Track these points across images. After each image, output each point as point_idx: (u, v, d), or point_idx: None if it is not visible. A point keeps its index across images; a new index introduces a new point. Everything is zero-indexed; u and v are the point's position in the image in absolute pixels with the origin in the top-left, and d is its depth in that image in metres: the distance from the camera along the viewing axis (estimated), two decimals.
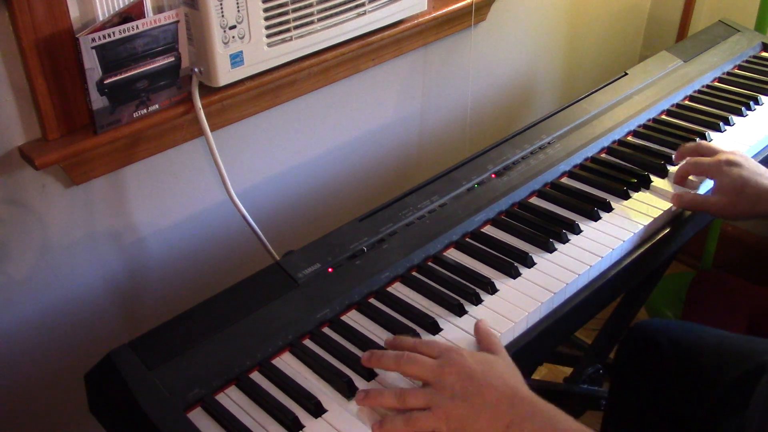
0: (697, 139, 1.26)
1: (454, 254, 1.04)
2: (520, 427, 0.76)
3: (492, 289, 0.96)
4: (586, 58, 2.04)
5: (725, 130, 1.31)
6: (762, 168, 1.09)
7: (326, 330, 0.91)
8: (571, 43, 1.95)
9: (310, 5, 1.17)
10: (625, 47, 2.16)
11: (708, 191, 1.14)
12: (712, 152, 1.13)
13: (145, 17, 1.02)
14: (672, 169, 1.18)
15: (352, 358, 0.86)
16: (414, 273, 1.00)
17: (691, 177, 1.15)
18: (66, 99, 1.03)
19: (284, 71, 1.21)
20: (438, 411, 0.78)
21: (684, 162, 1.15)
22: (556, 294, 0.96)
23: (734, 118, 1.33)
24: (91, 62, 0.99)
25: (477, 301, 0.95)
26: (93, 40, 0.97)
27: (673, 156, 1.20)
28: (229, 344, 0.86)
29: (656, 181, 1.17)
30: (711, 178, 1.11)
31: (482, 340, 0.88)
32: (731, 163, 1.08)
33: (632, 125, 1.30)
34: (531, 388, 0.81)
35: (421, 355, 0.83)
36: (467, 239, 1.06)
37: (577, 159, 1.21)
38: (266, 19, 1.13)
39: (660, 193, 1.14)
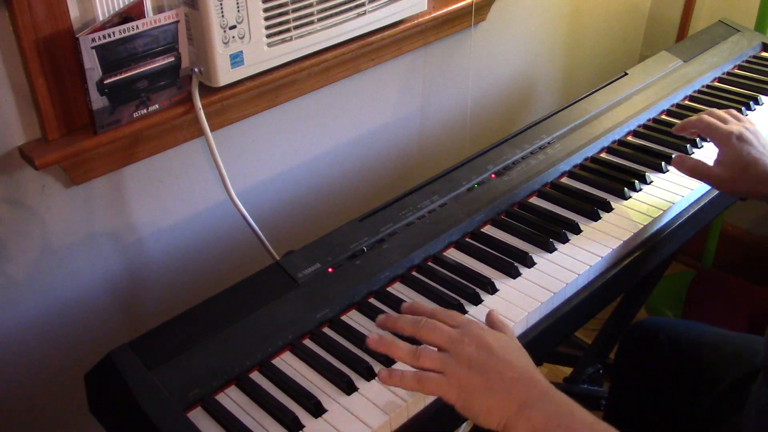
0: (697, 139, 1.26)
1: (454, 254, 1.04)
2: (533, 410, 0.74)
3: (492, 289, 0.96)
4: (586, 58, 2.04)
5: None
6: None
7: (326, 330, 0.92)
8: (571, 43, 1.95)
9: (310, 5, 1.17)
10: (625, 47, 2.16)
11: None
12: (725, 120, 1.10)
13: (145, 17, 1.02)
14: (672, 169, 1.18)
15: (352, 358, 0.86)
16: (414, 273, 1.00)
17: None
18: (66, 99, 1.03)
19: (284, 71, 1.21)
20: (452, 377, 0.76)
21: (698, 117, 1.11)
22: (556, 294, 0.96)
23: None
24: (91, 62, 0.99)
25: (477, 301, 0.95)
26: (93, 40, 0.97)
27: (673, 128, 1.16)
28: (229, 344, 0.86)
29: (656, 181, 1.17)
30: (718, 147, 1.08)
31: (494, 325, 0.85)
32: (742, 139, 1.05)
33: (632, 125, 1.30)
34: None
35: (440, 323, 0.80)
36: (467, 239, 1.06)
37: (577, 159, 1.21)
38: (266, 19, 1.13)
39: (660, 194, 1.14)
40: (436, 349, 0.79)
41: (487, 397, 0.75)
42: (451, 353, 0.77)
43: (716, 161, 1.07)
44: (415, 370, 0.78)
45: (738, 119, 1.11)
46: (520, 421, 0.73)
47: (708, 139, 1.11)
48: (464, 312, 0.93)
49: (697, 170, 1.08)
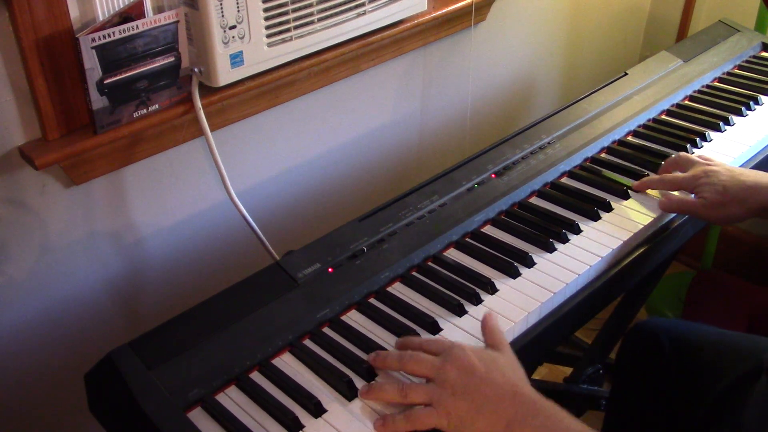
0: (697, 139, 1.26)
1: (454, 254, 1.04)
2: (521, 425, 0.76)
3: (492, 289, 0.96)
4: (586, 58, 2.04)
5: (725, 130, 1.31)
6: (739, 169, 1.09)
7: (326, 330, 0.91)
8: (571, 43, 1.95)
9: (310, 5, 1.17)
10: (625, 47, 2.16)
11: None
12: (690, 164, 1.12)
13: (145, 17, 1.02)
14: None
15: (352, 358, 0.86)
16: (414, 273, 1.00)
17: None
18: (66, 99, 1.03)
19: (284, 71, 1.21)
20: (439, 407, 0.78)
21: (659, 178, 1.14)
22: (556, 294, 0.96)
23: (734, 118, 1.33)
24: (91, 62, 0.99)
25: (477, 301, 0.95)
26: (93, 40, 0.97)
27: (658, 172, 1.18)
28: (229, 344, 0.86)
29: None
30: (691, 193, 1.10)
31: (488, 335, 0.87)
32: (708, 174, 1.07)
33: (632, 125, 1.30)
34: None
35: (424, 353, 0.83)
36: (467, 239, 1.06)
37: (577, 159, 1.21)
38: (266, 19, 1.13)
39: (660, 194, 1.14)
40: (424, 380, 0.81)
41: (475, 420, 0.77)
42: (436, 382, 0.80)
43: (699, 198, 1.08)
44: (406, 410, 0.79)
45: (690, 161, 1.13)
46: None
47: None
48: (464, 312, 0.93)
49: (684, 208, 1.09)
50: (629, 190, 1.14)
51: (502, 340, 0.86)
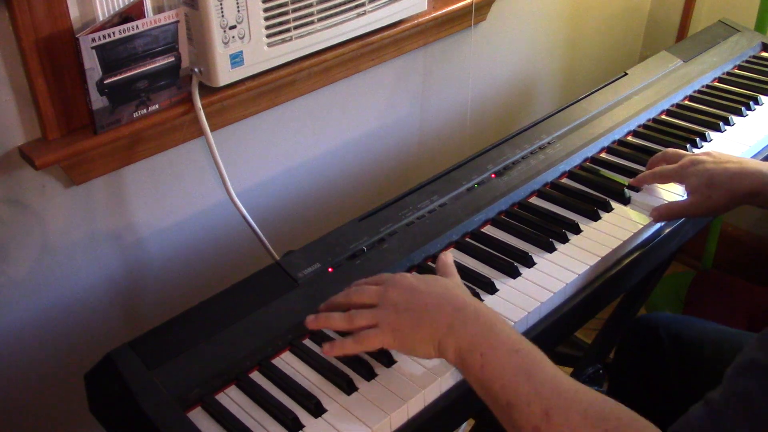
0: (697, 139, 1.27)
1: (453, 254, 1.04)
2: (461, 330, 0.79)
3: (492, 289, 0.96)
4: (586, 58, 2.04)
5: (725, 130, 1.31)
6: (727, 156, 1.09)
7: (326, 330, 0.91)
8: (571, 43, 1.95)
9: (310, 5, 1.17)
10: (625, 47, 2.16)
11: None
12: (677, 157, 1.13)
13: (145, 17, 1.02)
14: None
15: (353, 358, 0.86)
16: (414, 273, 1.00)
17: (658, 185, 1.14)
18: (66, 99, 1.03)
19: (284, 71, 1.21)
20: (384, 326, 0.81)
21: (651, 173, 1.14)
22: (556, 294, 0.96)
23: (734, 118, 1.33)
24: (91, 62, 0.99)
25: None
26: (93, 40, 0.97)
27: (646, 167, 1.18)
28: (229, 344, 0.86)
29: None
30: (678, 183, 1.11)
31: (440, 268, 0.91)
32: (694, 162, 1.08)
33: (632, 125, 1.30)
34: None
35: (367, 285, 0.87)
36: (467, 239, 1.06)
37: (577, 159, 1.21)
38: (266, 19, 1.13)
39: (660, 193, 1.14)
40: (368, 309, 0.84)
41: (417, 331, 0.80)
42: (379, 306, 0.83)
43: (686, 194, 1.09)
44: (353, 334, 0.83)
45: (679, 154, 1.14)
46: (449, 342, 0.79)
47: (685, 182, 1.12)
48: None
49: (673, 211, 1.09)
50: (628, 190, 1.13)
51: (453, 272, 0.90)
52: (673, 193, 1.14)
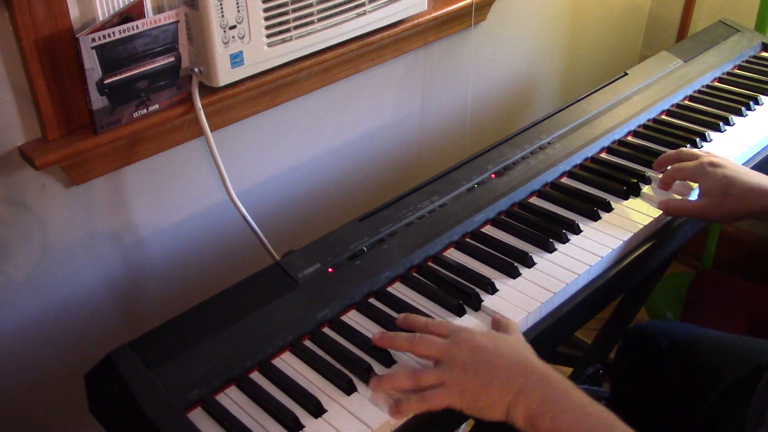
0: (697, 139, 1.27)
1: (454, 254, 1.04)
2: (531, 393, 0.77)
3: (492, 289, 0.96)
4: (586, 58, 2.04)
5: (725, 130, 1.31)
6: (744, 168, 1.09)
7: (326, 330, 0.91)
8: (571, 44, 1.95)
9: (310, 5, 1.17)
10: (625, 47, 2.16)
11: (695, 196, 1.13)
12: (694, 156, 1.13)
13: (145, 17, 1.02)
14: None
15: (352, 358, 0.86)
16: (414, 273, 1.00)
17: (678, 182, 1.14)
18: (66, 99, 1.03)
19: (284, 71, 1.21)
20: (451, 386, 0.80)
21: (668, 169, 1.15)
22: (556, 294, 0.96)
23: (734, 118, 1.33)
24: (91, 62, 0.99)
25: (477, 301, 0.94)
26: (93, 40, 0.97)
27: (653, 164, 1.18)
28: (229, 344, 0.86)
29: (656, 182, 1.17)
30: (695, 182, 1.10)
31: (494, 324, 0.90)
32: (714, 165, 1.08)
33: (632, 125, 1.30)
34: None
35: (431, 336, 0.84)
36: (467, 239, 1.06)
37: (577, 159, 1.21)
38: (266, 19, 1.13)
39: (660, 193, 1.14)
40: (432, 366, 0.83)
41: (486, 393, 0.78)
42: (445, 363, 0.81)
43: (699, 194, 1.09)
44: (418, 393, 0.81)
45: (696, 154, 1.13)
46: (519, 406, 0.77)
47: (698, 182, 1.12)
48: (464, 312, 0.93)
49: (683, 209, 1.09)
50: (628, 190, 1.13)
51: (510, 324, 0.88)
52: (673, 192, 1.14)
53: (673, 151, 1.18)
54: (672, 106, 1.38)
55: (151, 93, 1.08)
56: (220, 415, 0.80)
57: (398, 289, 0.98)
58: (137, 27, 1.01)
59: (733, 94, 1.40)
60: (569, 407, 0.75)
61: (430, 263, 1.02)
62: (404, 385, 0.82)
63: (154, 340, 0.86)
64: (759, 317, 1.86)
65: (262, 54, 1.15)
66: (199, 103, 1.12)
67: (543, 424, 0.75)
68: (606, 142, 1.26)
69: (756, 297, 1.92)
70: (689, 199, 1.12)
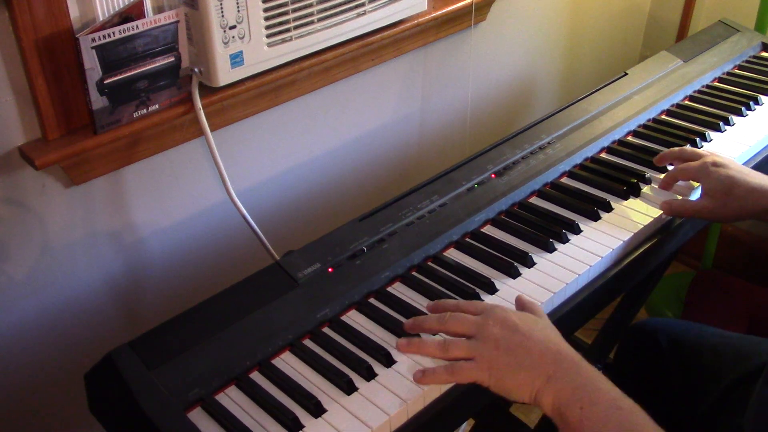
0: (697, 139, 1.27)
1: (454, 254, 1.04)
2: (561, 382, 0.77)
3: (492, 289, 0.96)
4: (586, 58, 2.04)
5: (725, 130, 1.31)
6: (747, 168, 1.09)
7: (326, 330, 0.91)
8: (571, 43, 1.95)
9: (310, 5, 1.17)
10: (625, 47, 2.16)
11: (697, 197, 1.13)
12: (697, 156, 1.13)
13: (145, 17, 1.02)
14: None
15: (352, 358, 0.86)
16: (414, 273, 1.00)
17: (680, 182, 1.14)
18: (66, 99, 1.03)
19: (284, 71, 1.21)
20: (481, 361, 0.79)
21: (671, 168, 1.15)
22: (556, 294, 0.96)
23: (734, 118, 1.33)
24: (91, 62, 0.99)
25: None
26: (93, 40, 0.97)
27: (654, 159, 1.19)
28: (229, 344, 0.86)
29: (657, 181, 1.17)
30: (698, 181, 1.10)
31: (526, 306, 0.89)
32: (717, 165, 1.08)
33: (632, 125, 1.30)
34: None
35: (463, 314, 0.84)
36: (467, 239, 1.06)
37: (577, 159, 1.21)
38: (266, 19, 1.13)
39: (659, 194, 1.14)
40: (464, 339, 0.82)
41: (516, 374, 0.78)
42: (477, 338, 0.81)
43: (702, 194, 1.09)
44: (447, 364, 0.81)
45: (699, 154, 1.13)
46: (548, 392, 0.77)
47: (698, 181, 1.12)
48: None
49: (686, 209, 1.09)
50: (627, 190, 1.14)
51: (540, 309, 0.88)
52: (673, 192, 1.14)
53: (676, 148, 1.17)
54: (672, 106, 1.38)
55: (151, 93, 1.08)
56: (220, 414, 0.80)
57: (398, 289, 0.98)
58: (137, 27, 1.01)
59: (733, 94, 1.40)
60: (600, 399, 0.75)
61: (430, 263, 1.02)
62: (433, 352, 0.83)
63: (154, 340, 0.86)
64: (759, 317, 1.86)
65: (262, 54, 1.15)
66: (199, 103, 1.12)
67: (572, 413, 0.75)
68: (606, 142, 1.26)
69: (756, 297, 1.92)
70: (691, 199, 1.12)
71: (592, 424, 0.74)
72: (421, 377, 0.81)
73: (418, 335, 0.88)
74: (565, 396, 0.76)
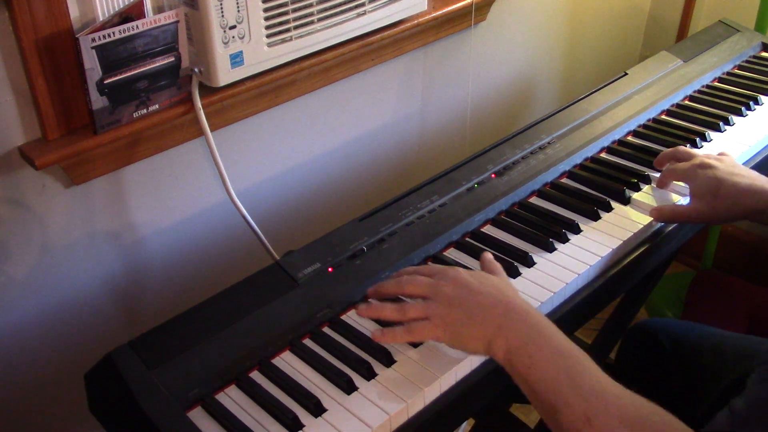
0: (697, 139, 1.27)
1: (454, 254, 1.04)
2: (511, 331, 0.80)
3: None
4: (586, 58, 2.04)
5: (725, 130, 1.31)
6: (740, 167, 1.08)
7: (326, 330, 0.91)
8: (571, 43, 1.95)
9: (310, 5, 1.17)
10: (625, 47, 2.16)
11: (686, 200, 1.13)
12: (689, 157, 1.12)
13: (145, 17, 1.02)
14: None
15: (352, 357, 0.86)
16: None
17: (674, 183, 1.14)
18: (66, 99, 1.03)
19: (284, 71, 1.21)
20: (435, 318, 0.83)
21: (666, 169, 1.15)
22: (556, 294, 0.96)
23: (734, 118, 1.33)
24: (91, 62, 0.99)
25: None
26: (93, 40, 0.97)
27: (654, 162, 1.18)
28: (229, 344, 0.86)
29: (656, 182, 1.17)
30: (686, 183, 1.10)
31: (485, 265, 0.93)
32: (705, 166, 1.07)
33: (632, 125, 1.30)
34: None
35: (419, 276, 0.88)
36: (467, 239, 1.06)
37: (577, 159, 1.21)
38: (266, 19, 1.13)
39: (660, 193, 1.14)
40: (420, 300, 0.86)
41: (469, 326, 0.82)
42: (432, 298, 0.85)
43: (690, 198, 1.08)
44: (404, 324, 0.85)
45: (691, 154, 1.13)
46: (498, 341, 0.80)
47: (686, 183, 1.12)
48: None
49: (675, 215, 1.09)
50: (628, 190, 1.13)
51: (498, 269, 0.92)
52: (673, 192, 1.14)
53: (670, 149, 1.17)
54: (672, 106, 1.38)
55: (151, 93, 1.08)
56: (220, 414, 0.80)
57: None
58: (137, 27, 1.01)
59: (733, 94, 1.40)
60: (546, 345, 0.78)
61: (430, 263, 1.02)
62: (390, 315, 0.86)
63: (154, 340, 0.86)
64: (759, 317, 1.86)
65: (262, 54, 1.15)
66: (199, 103, 1.12)
67: (520, 360, 0.78)
68: (606, 142, 1.26)
69: (756, 297, 1.92)
70: (680, 203, 1.11)
71: (538, 370, 0.76)
72: (381, 336, 0.85)
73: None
74: (515, 344, 0.79)
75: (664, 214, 1.08)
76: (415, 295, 0.87)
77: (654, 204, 1.11)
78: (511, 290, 0.86)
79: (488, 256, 0.95)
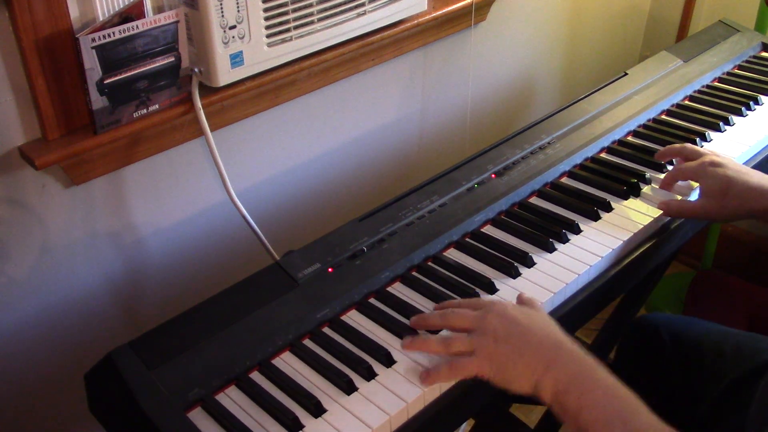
0: (697, 139, 1.27)
1: (454, 254, 1.04)
2: (560, 370, 0.78)
3: (492, 289, 0.96)
4: (586, 58, 2.04)
5: (725, 130, 1.31)
6: (746, 168, 1.09)
7: (326, 330, 0.92)
8: (571, 43, 1.95)
9: (310, 5, 1.17)
10: (625, 47, 2.16)
11: (696, 197, 1.13)
12: (697, 155, 1.13)
13: (145, 17, 1.02)
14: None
15: (352, 358, 0.86)
16: (414, 273, 1.00)
17: (679, 182, 1.14)
18: (66, 99, 1.03)
19: (284, 71, 1.21)
20: (481, 354, 0.81)
21: (670, 169, 1.15)
22: (556, 294, 0.96)
23: (734, 118, 1.33)
24: (91, 62, 0.99)
25: None
26: (93, 40, 0.97)
27: (656, 155, 1.19)
28: (229, 344, 0.86)
29: (657, 181, 1.17)
30: (696, 181, 1.10)
31: (524, 303, 0.90)
32: (715, 164, 1.08)
33: (632, 125, 1.30)
34: None
35: (464, 309, 0.86)
36: (467, 239, 1.06)
37: (577, 159, 1.21)
38: (266, 19, 1.13)
39: (660, 193, 1.14)
40: (465, 334, 0.84)
41: (516, 364, 0.79)
42: (477, 332, 0.82)
43: (700, 194, 1.09)
44: (448, 361, 0.82)
45: (699, 152, 1.13)
46: (547, 380, 0.78)
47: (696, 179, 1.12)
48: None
49: (684, 209, 1.09)
50: (628, 190, 1.14)
51: (535, 301, 0.90)
52: (673, 192, 1.14)
53: (677, 144, 1.17)
54: (672, 106, 1.38)
55: (151, 93, 1.08)
56: (220, 414, 0.80)
57: (398, 289, 0.98)
58: (137, 27, 1.01)
59: (733, 94, 1.40)
60: (597, 386, 0.76)
61: (430, 263, 1.02)
62: (435, 348, 0.84)
63: (154, 340, 0.86)
64: (759, 317, 1.86)
65: (262, 54, 1.15)
66: (199, 103, 1.12)
67: (570, 400, 0.76)
68: (606, 142, 1.26)
69: (756, 297, 1.92)
70: (689, 199, 1.12)
71: (590, 411, 0.75)
72: (426, 378, 0.82)
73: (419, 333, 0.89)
74: (564, 383, 0.77)
75: (672, 208, 1.09)
76: (462, 329, 0.85)
77: (654, 204, 1.11)
78: (557, 328, 0.84)
79: (523, 294, 0.92)
